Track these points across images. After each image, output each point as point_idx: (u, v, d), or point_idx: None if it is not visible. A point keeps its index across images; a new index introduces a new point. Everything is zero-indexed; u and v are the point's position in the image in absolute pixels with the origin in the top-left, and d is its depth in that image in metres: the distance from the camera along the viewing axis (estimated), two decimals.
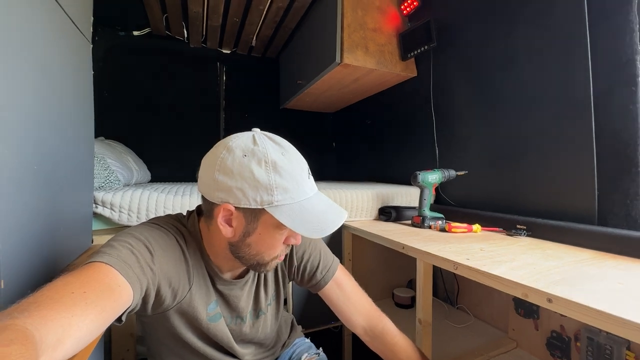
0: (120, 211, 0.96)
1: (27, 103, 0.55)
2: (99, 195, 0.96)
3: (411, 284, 1.48)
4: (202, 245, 0.61)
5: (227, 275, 0.64)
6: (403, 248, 0.92)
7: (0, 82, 0.46)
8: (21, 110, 0.53)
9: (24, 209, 0.53)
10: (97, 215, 0.97)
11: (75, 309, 0.37)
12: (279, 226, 0.54)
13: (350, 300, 0.73)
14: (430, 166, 1.31)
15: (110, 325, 0.48)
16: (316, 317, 1.28)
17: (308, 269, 0.71)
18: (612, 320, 0.45)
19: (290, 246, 0.61)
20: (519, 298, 1.02)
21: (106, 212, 0.95)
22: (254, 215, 0.54)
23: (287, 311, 1.24)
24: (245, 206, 0.52)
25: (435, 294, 1.45)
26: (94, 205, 0.95)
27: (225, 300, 0.64)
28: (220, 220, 0.54)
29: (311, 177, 0.59)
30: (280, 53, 2.25)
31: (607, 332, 0.78)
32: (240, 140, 0.55)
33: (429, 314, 0.87)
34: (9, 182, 0.47)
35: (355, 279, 0.76)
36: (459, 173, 1.22)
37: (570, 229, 0.89)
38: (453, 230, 1.04)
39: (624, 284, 0.57)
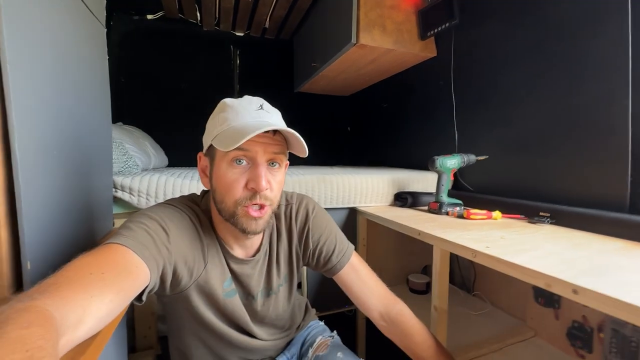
0: (139, 195, 0.98)
1: (45, 89, 0.55)
2: (119, 179, 0.98)
3: (426, 270, 1.47)
4: (213, 221, 0.62)
5: (239, 253, 0.65)
6: (419, 234, 0.90)
7: (19, 70, 0.46)
8: (39, 96, 0.53)
9: (46, 193, 0.54)
10: (116, 200, 0.99)
11: (94, 289, 0.37)
12: (225, 157, 0.54)
13: (366, 284, 0.73)
14: (449, 151, 1.27)
15: (133, 304, 0.49)
16: (330, 301, 1.29)
17: (324, 253, 0.71)
18: None
19: (260, 196, 0.55)
20: (538, 287, 1.00)
21: (125, 196, 0.98)
22: (211, 155, 0.58)
23: (302, 294, 1.26)
24: (206, 148, 0.59)
25: (451, 280, 1.43)
26: (113, 189, 0.98)
27: (238, 278, 0.65)
28: (199, 170, 0.62)
29: (264, 111, 0.58)
30: (294, 34, 2.20)
31: (634, 325, 0.75)
32: None
33: (445, 301, 0.86)
34: (30, 168, 0.49)
35: (370, 265, 0.76)
36: (479, 158, 1.18)
37: (598, 217, 0.85)
38: (472, 217, 1.01)
39: None
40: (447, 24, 1.30)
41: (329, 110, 2.50)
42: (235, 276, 0.65)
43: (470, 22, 1.28)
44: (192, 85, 2.11)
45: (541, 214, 0.97)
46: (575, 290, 0.51)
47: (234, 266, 0.64)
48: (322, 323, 0.88)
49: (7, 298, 0.43)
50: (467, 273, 1.34)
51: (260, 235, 0.67)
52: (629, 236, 0.77)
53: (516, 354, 0.93)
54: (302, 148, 0.57)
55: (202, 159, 0.61)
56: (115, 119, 1.84)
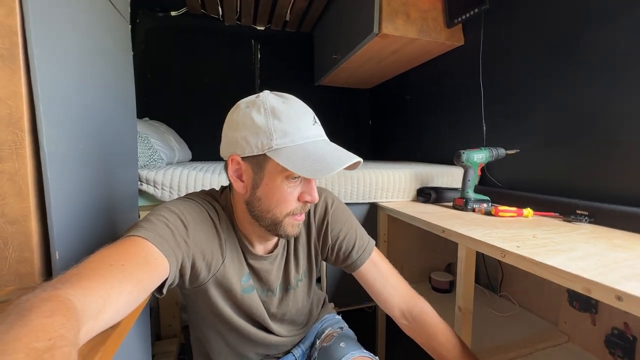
0: (162, 188, 1.01)
1: (71, 84, 0.57)
2: (143, 173, 1.01)
3: (449, 268, 1.42)
4: (233, 217, 0.62)
5: (259, 250, 0.65)
6: (443, 232, 0.87)
7: (46, 65, 0.47)
8: (66, 91, 0.54)
9: (74, 186, 0.56)
10: (141, 192, 1.02)
11: (113, 281, 0.38)
12: (284, 173, 0.53)
13: (388, 281, 0.71)
14: (476, 145, 1.21)
15: (155, 296, 0.50)
16: (350, 297, 1.28)
17: (343, 248, 0.70)
18: None
19: (309, 206, 0.58)
20: (573, 290, 0.93)
21: (150, 189, 1.00)
22: (259, 164, 0.54)
23: (321, 289, 1.26)
24: (249, 154, 0.54)
25: (476, 280, 1.37)
26: (139, 182, 1.01)
27: (256, 273, 0.65)
28: (231, 174, 0.57)
29: (318, 125, 0.57)
30: (314, 27, 2.16)
31: None
32: (246, 98, 0.58)
33: (470, 301, 0.82)
34: (58, 162, 0.50)
35: (391, 262, 0.73)
36: (509, 152, 1.11)
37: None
38: (500, 214, 0.96)
39: None
40: (476, 10, 1.22)
41: (350, 103, 2.46)
42: (253, 272, 0.65)
43: (501, 7, 1.21)
44: (215, 80, 2.14)
45: (578, 212, 0.90)
46: (620, 296, 0.47)
47: (253, 262, 0.64)
48: (338, 316, 0.87)
49: (34, 286, 0.45)
50: (494, 272, 1.28)
51: None
52: None
53: (548, 359, 0.88)
54: (353, 166, 0.56)
55: (237, 163, 0.56)
56: (141, 114, 1.91)
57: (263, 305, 0.67)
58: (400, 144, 2.08)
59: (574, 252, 0.63)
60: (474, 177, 1.07)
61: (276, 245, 0.67)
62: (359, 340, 0.77)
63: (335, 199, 0.73)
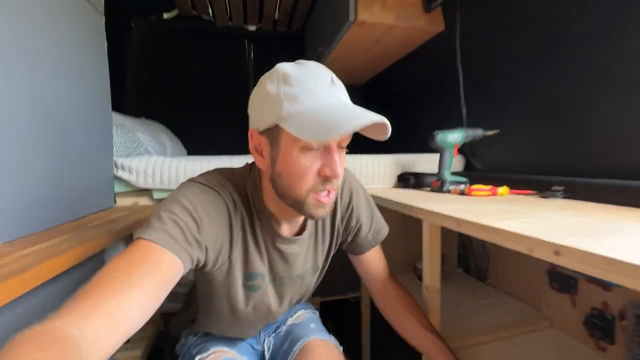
0: (137, 174, 1.03)
1: (31, 65, 0.59)
2: (119, 160, 1.03)
3: None
4: (262, 197, 0.58)
5: (285, 230, 0.62)
6: (410, 210, 0.85)
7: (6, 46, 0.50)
8: (25, 70, 0.57)
9: (29, 172, 0.58)
10: (119, 179, 1.04)
11: (121, 294, 0.38)
12: (298, 144, 0.48)
13: (382, 264, 0.78)
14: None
15: None
16: (333, 286, 1.25)
17: (362, 231, 0.72)
18: (622, 267, 0.35)
19: (335, 184, 0.52)
20: (552, 270, 0.89)
21: (125, 175, 1.02)
22: (274, 137, 0.51)
23: None
24: (265, 127, 0.51)
25: (465, 269, 1.34)
26: (115, 169, 1.03)
27: (286, 258, 0.63)
28: (252, 149, 0.55)
29: (337, 87, 0.52)
30: (304, 25, 2.19)
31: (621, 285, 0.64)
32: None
33: (436, 279, 0.80)
34: (12, 134, 0.52)
35: None
36: (488, 133, 1.08)
37: (619, 187, 0.73)
38: (473, 193, 0.93)
39: None
40: None
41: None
42: (281, 256, 0.62)
43: None
44: (209, 81, 2.19)
45: (554, 188, 0.86)
46: (558, 251, 0.44)
47: (282, 246, 0.61)
48: (311, 305, 0.88)
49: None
50: (482, 262, 1.24)
51: None
52: None
53: (525, 344, 0.84)
54: (383, 132, 0.52)
55: (256, 137, 0.54)
56: (138, 114, 1.97)
57: (279, 294, 0.67)
58: (392, 138, 2.06)
59: (528, 218, 0.60)
60: (449, 159, 1.05)
61: (303, 228, 0.64)
62: (341, 331, 0.79)
63: (356, 180, 0.75)
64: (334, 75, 0.52)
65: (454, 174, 1.07)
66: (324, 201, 0.52)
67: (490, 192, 0.93)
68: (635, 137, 0.75)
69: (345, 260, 0.89)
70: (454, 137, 1.04)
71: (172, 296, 0.76)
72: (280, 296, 0.67)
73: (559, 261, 0.44)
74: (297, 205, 0.53)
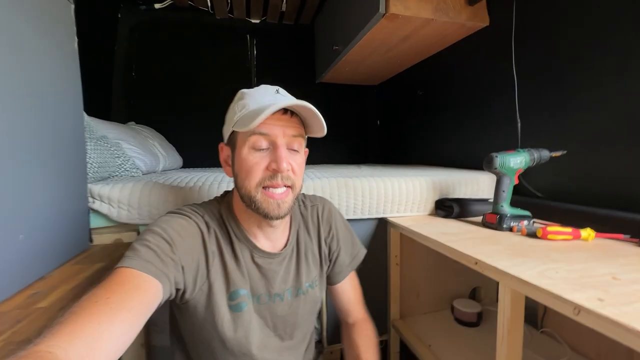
0: (119, 207, 0.81)
1: None
2: (96, 188, 0.82)
3: (475, 294, 1.19)
4: (234, 214, 0.61)
5: (265, 245, 0.62)
6: (476, 264, 0.64)
7: None
8: None
9: None
10: (96, 212, 0.83)
11: (101, 316, 0.38)
12: (248, 143, 0.54)
13: (357, 290, 0.77)
14: (507, 145, 0.98)
15: None
16: None
17: (340, 257, 0.72)
18: None
19: (277, 177, 0.55)
20: None
21: (103, 208, 0.81)
22: (233, 143, 0.58)
23: (320, 322, 1.05)
24: (227, 137, 0.60)
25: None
26: (90, 199, 0.82)
27: (264, 274, 0.62)
28: (222, 162, 0.63)
29: (281, 95, 0.59)
30: (314, 18, 1.96)
31: None
32: None
33: None
34: None
35: (406, 287, 0.82)
36: (554, 154, 0.88)
37: None
38: (550, 236, 0.73)
39: None
40: None
41: (356, 101, 2.24)
42: (261, 272, 0.62)
43: None
44: (207, 80, 1.96)
45: None
46: None
47: (260, 261, 0.61)
48: None
49: None
50: (531, 301, 1.04)
51: (287, 229, 0.66)
52: None
53: None
54: (320, 125, 0.57)
55: (224, 149, 0.62)
56: (126, 119, 1.74)
57: (261, 315, 0.62)
58: (412, 147, 1.85)
59: None
60: (510, 187, 0.85)
61: (285, 246, 0.65)
62: None
63: (334, 206, 0.76)
64: (280, 88, 0.60)
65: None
66: (275, 196, 0.55)
67: (572, 236, 0.73)
68: None
69: (366, 299, 0.79)
70: (517, 161, 0.83)
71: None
72: (265, 321, 0.63)
73: None
74: (253, 204, 0.55)
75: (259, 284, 0.61)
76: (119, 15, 1.71)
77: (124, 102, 1.72)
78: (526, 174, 1.04)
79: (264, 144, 0.54)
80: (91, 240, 0.83)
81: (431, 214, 1.06)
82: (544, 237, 0.74)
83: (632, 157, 0.79)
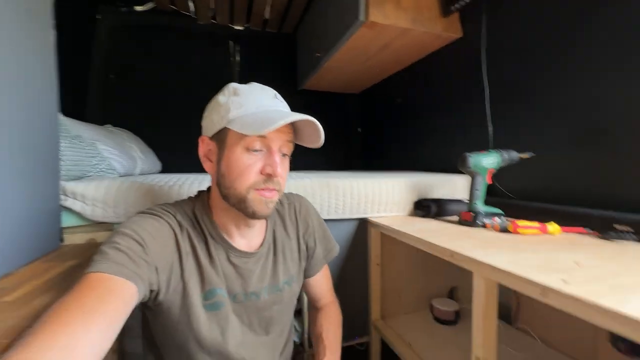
0: (93, 204, 0.79)
1: None
2: (70, 185, 0.79)
3: (453, 294, 1.22)
4: (210, 212, 0.60)
5: (241, 244, 0.61)
6: (452, 256, 0.67)
7: None
8: None
9: None
10: (69, 210, 0.80)
11: (75, 324, 0.37)
12: (242, 143, 0.53)
13: (329, 278, 0.80)
14: (480, 149, 1.03)
15: None
16: None
17: (317, 251, 0.73)
18: None
19: (272, 181, 0.55)
20: None
21: (76, 206, 0.78)
22: (221, 139, 0.56)
23: (301, 324, 1.04)
24: (213, 132, 0.57)
25: None
26: (63, 196, 0.79)
27: (240, 273, 0.61)
28: (201, 155, 0.59)
29: (279, 100, 0.59)
30: (297, 28, 2.01)
31: None
32: None
33: (493, 350, 0.61)
34: None
35: (387, 288, 0.84)
36: (522, 156, 0.93)
37: None
38: (520, 230, 0.77)
39: None
40: None
41: (337, 109, 2.29)
42: (237, 272, 0.60)
43: None
44: (188, 84, 1.94)
45: (617, 227, 0.72)
46: None
47: (235, 260, 0.60)
48: None
49: None
50: (506, 298, 1.08)
51: (263, 228, 0.66)
52: None
53: None
54: (317, 136, 0.57)
55: (207, 143, 0.59)
56: (103, 121, 1.69)
57: (237, 314, 0.61)
58: (393, 153, 1.90)
59: None
60: (483, 186, 0.89)
61: (262, 244, 0.64)
62: None
63: (309, 203, 0.78)
64: (277, 93, 0.60)
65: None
66: (267, 195, 0.55)
67: (539, 230, 0.77)
68: None
69: (347, 301, 0.82)
70: (489, 160, 0.88)
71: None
72: (241, 319, 0.62)
73: None
74: (240, 204, 0.55)
75: (235, 283, 0.60)
76: (98, 16, 1.68)
77: (100, 103, 1.67)
78: (499, 177, 1.10)
79: (258, 145, 0.54)
80: (62, 240, 0.79)
81: (410, 215, 1.09)
82: (514, 232, 0.78)
83: (591, 158, 0.85)
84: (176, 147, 1.85)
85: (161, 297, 0.53)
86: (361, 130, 2.34)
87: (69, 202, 0.78)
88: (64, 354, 0.33)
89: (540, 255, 0.61)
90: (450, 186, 1.14)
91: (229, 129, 0.54)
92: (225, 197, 0.56)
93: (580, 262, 0.56)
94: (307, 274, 0.75)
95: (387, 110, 1.94)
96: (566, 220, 0.81)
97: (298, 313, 1.03)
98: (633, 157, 0.77)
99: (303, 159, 1.19)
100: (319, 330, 0.73)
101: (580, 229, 0.78)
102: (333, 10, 1.35)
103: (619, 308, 0.38)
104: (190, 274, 0.56)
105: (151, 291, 0.51)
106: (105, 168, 1.11)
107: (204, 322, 0.56)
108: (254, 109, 0.54)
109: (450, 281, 1.21)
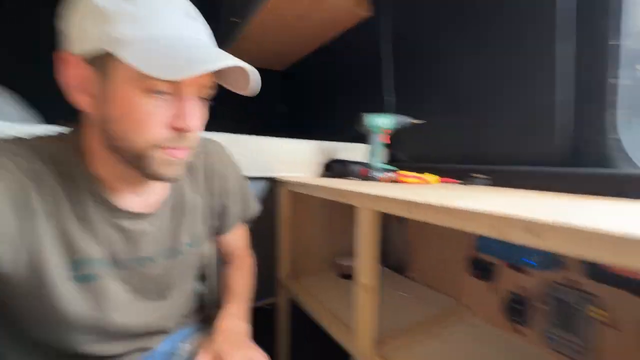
0: None
1: None
2: None
3: None
4: (85, 160, 0.45)
5: (132, 204, 0.49)
6: (341, 195, 0.72)
7: None
8: None
9: None
10: None
11: None
12: (140, 81, 0.38)
13: (244, 241, 0.76)
14: None
15: None
16: None
17: (232, 206, 0.67)
18: None
19: (185, 138, 0.43)
20: (472, 257, 0.89)
21: None
22: (104, 69, 0.39)
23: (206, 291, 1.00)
24: (84, 50, 0.38)
25: (385, 263, 1.30)
26: None
27: (129, 237, 0.49)
28: (66, 82, 0.40)
29: (194, 19, 0.43)
30: None
31: (578, 289, 0.66)
32: None
33: (375, 277, 0.68)
34: None
35: (296, 247, 0.81)
36: (414, 121, 1.05)
37: (538, 173, 0.76)
38: (402, 179, 0.87)
39: None
40: None
41: (261, 85, 2.24)
42: (123, 234, 0.49)
43: None
44: None
45: (474, 175, 0.87)
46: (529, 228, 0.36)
47: (122, 222, 0.48)
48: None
49: None
50: (403, 254, 1.21)
51: (166, 184, 0.54)
52: (571, 189, 0.69)
53: (445, 334, 0.80)
54: (246, 82, 0.44)
55: (75, 65, 0.40)
56: None
57: (128, 283, 0.51)
58: (310, 129, 1.95)
59: (479, 200, 0.53)
60: (379, 145, 0.97)
61: (163, 203, 0.54)
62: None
63: (228, 154, 0.68)
64: (191, 5, 0.44)
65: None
66: (176, 155, 0.43)
67: (420, 180, 0.88)
68: (550, 126, 0.79)
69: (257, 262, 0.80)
70: (382, 121, 0.97)
71: None
72: (131, 286, 0.52)
73: (536, 243, 0.36)
74: (138, 161, 0.42)
75: (121, 248, 0.49)
76: None
77: None
78: (397, 145, 1.22)
79: (164, 87, 0.39)
80: None
81: (321, 176, 1.14)
82: (399, 181, 0.88)
83: (471, 126, 1.00)
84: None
85: (7, 271, 0.41)
86: (286, 107, 2.35)
87: None
88: None
89: (416, 191, 0.70)
90: (356, 152, 1.22)
91: (115, 57, 0.37)
92: (113, 148, 0.43)
93: (442, 194, 0.66)
94: (219, 231, 0.69)
95: (307, 88, 1.99)
96: (445, 175, 0.95)
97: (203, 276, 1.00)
98: (489, 122, 0.93)
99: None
100: (228, 281, 0.69)
101: (453, 180, 0.92)
102: None
103: (451, 205, 0.46)
104: (51, 239, 0.43)
105: None
106: None
107: (74, 296, 0.45)
108: (157, 30, 0.38)
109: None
